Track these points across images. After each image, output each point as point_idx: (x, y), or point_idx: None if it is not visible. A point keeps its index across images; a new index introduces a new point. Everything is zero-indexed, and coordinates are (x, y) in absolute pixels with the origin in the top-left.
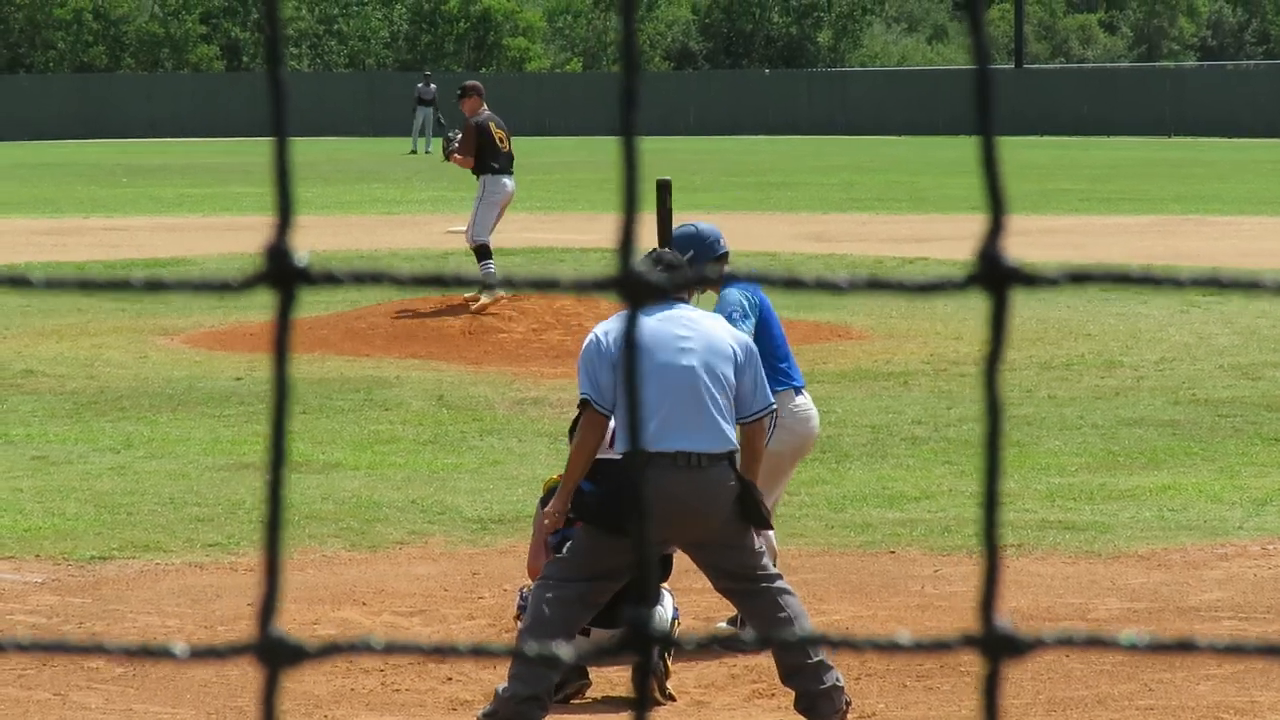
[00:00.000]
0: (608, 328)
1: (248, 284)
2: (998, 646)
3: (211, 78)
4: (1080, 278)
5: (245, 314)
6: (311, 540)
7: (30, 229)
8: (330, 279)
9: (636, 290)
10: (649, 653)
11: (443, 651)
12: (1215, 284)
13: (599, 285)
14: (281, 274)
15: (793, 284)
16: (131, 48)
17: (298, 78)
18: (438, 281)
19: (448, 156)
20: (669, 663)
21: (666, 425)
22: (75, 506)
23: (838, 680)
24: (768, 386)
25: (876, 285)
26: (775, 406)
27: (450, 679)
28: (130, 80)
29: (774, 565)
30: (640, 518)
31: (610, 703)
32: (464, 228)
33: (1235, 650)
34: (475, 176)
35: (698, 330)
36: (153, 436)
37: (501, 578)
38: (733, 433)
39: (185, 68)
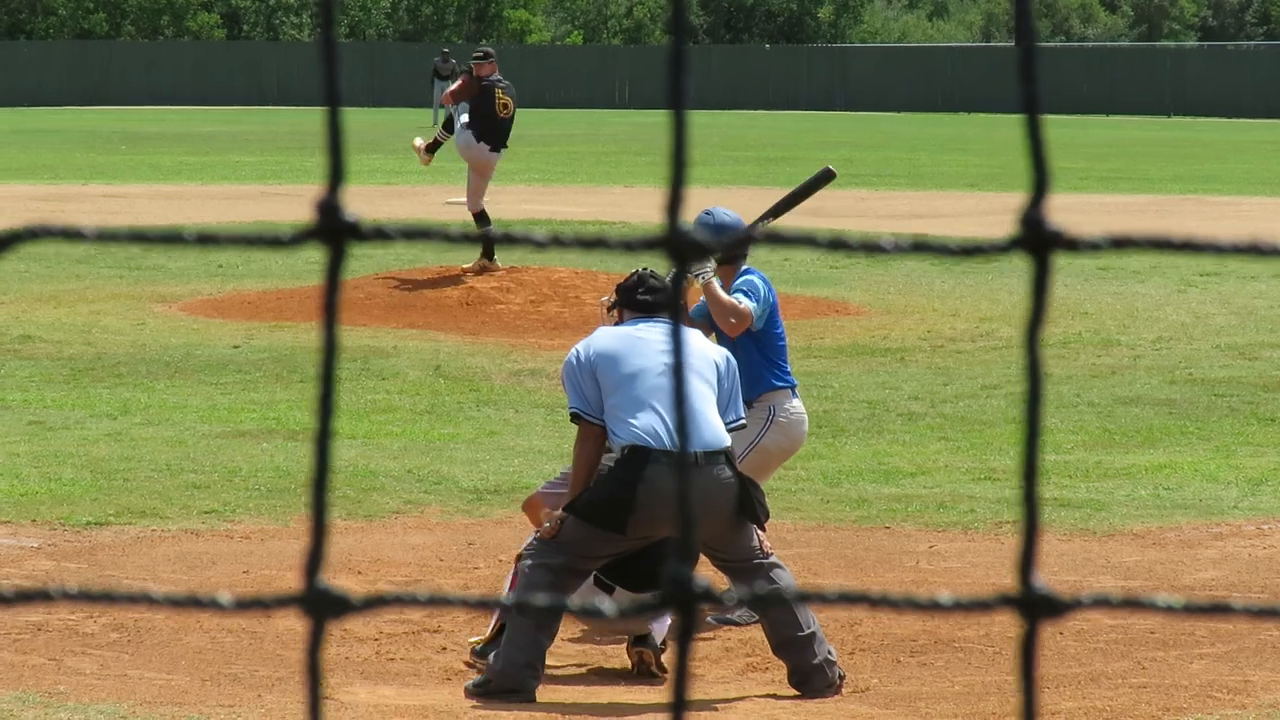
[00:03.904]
0: (583, 343)
1: (299, 239)
2: (1036, 607)
3: (211, 46)
4: (1122, 243)
5: (243, 282)
6: (308, 508)
7: (29, 195)
8: (380, 235)
9: (683, 250)
10: (693, 610)
11: (488, 604)
12: (1255, 250)
13: (647, 245)
14: (332, 229)
15: (837, 245)
16: (132, 15)
17: (298, 47)
18: (484, 239)
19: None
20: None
21: (658, 424)
22: (72, 472)
23: (830, 654)
24: (741, 403)
25: (921, 248)
26: (745, 422)
27: (445, 649)
28: (130, 48)
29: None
30: (683, 475)
31: (604, 675)
32: (463, 199)
33: (1270, 614)
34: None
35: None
36: (150, 403)
37: (497, 548)
38: (725, 431)
39: (185, 35)
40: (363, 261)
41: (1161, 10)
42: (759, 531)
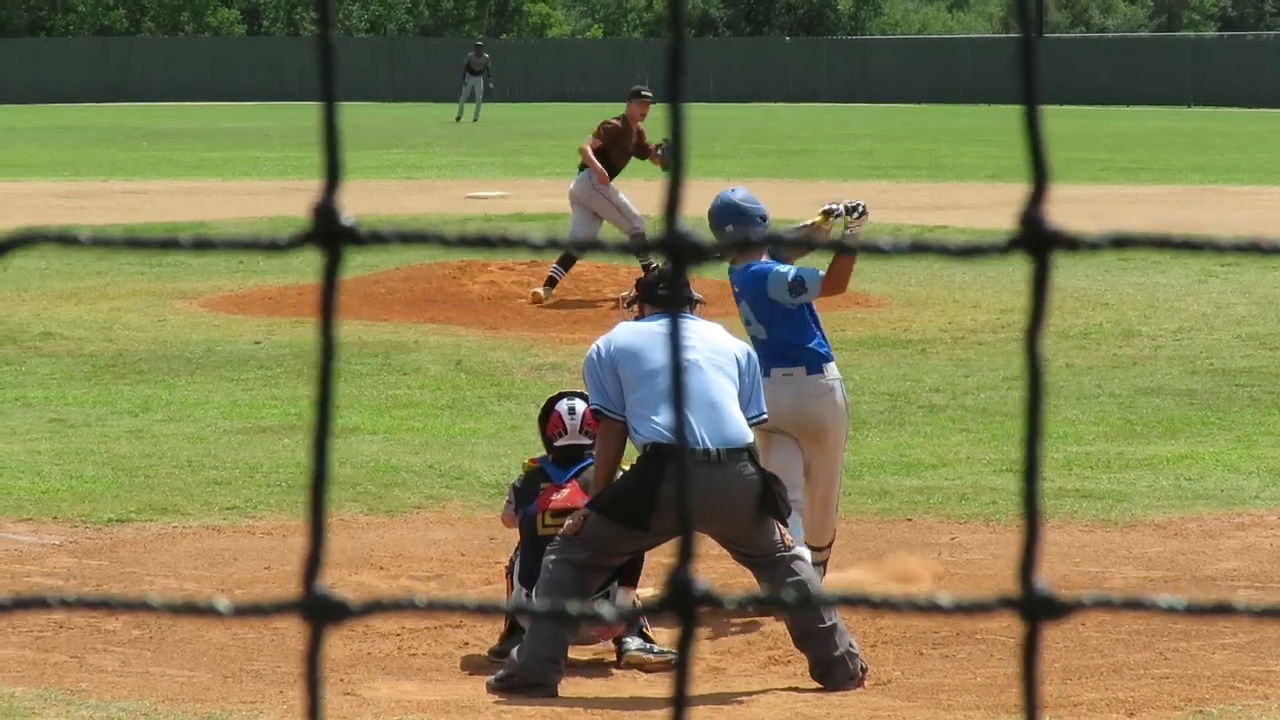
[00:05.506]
0: (604, 338)
1: (295, 243)
2: (1037, 608)
3: (231, 42)
4: (1122, 242)
5: (264, 278)
6: (329, 504)
7: (49, 191)
8: (377, 239)
9: (682, 250)
10: (692, 613)
11: (486, 610)
12: (1256, 249)
13: (644, 246)
14: (328, 233)
15: (835, 248)
16: (152, 11)
17: (318, 42)
18: (484, 243)
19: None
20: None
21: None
22: (93, 469)
23: (851, 646)
24: (763, 398)
25: (919, 248)
26: (767, 417)
27: (467, 644)
28: (150, 44)
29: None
30: (682, 471)
31: (627, 669)
32: (488, 194)
33: (1273, 614)
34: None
35: (698, 333)
36: (171, 400)
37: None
38: (747, 426)
39: (205, 31)
40: (384, 256)
41: (1181, 0)
42: (780, 525)
